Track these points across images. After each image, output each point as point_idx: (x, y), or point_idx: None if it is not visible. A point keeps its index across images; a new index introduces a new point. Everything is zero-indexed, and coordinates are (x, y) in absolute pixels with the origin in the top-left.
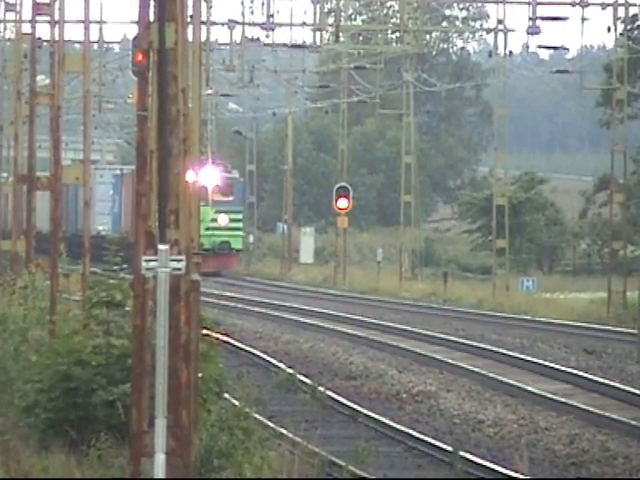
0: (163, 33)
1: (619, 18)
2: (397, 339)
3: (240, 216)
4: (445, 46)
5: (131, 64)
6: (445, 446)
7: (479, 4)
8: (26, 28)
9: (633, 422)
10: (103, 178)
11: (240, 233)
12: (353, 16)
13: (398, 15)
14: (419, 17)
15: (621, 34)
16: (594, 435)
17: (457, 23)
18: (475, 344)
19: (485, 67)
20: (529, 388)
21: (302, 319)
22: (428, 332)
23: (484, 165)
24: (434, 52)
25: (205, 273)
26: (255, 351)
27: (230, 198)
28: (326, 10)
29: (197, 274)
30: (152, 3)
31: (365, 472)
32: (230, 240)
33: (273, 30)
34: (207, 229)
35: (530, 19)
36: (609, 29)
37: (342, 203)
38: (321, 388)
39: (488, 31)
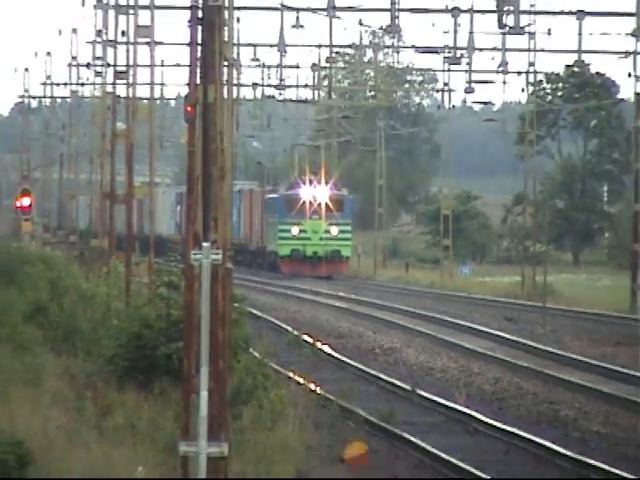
0: (206, 92)
1: (530, 82)
2: (372, 310)
3: (349, 227)
4: (406, 101)
5: (183, 114)
6: (406, 386)
7: (431, 72)
8: (109, 89)
9: (539, 368)
10: None
11: (349, 243)
12: (341, 80)
13: (374, 79)
14: (388, 81)
15: (531, 93)
16: (512, 378)
17: (415, 85)
18: (428, 314)
19: (435, 116)
20: (466, 345)
21: (304, 295)
22: (395, 305)
23: (434, 186)
24: (399, 105)
25: (319, 277)
26: (270, 318)
27: (340, 212)
28: (322, 75)
29: (230, 264)
30: (198, 70)
31: (349, 404)
32: (340, 249)
33: (284, 89)
34: (321, 239)
35: (467, 82)
36: (523, 89)
37: None
38: (318, 344)
39: (437, 91)
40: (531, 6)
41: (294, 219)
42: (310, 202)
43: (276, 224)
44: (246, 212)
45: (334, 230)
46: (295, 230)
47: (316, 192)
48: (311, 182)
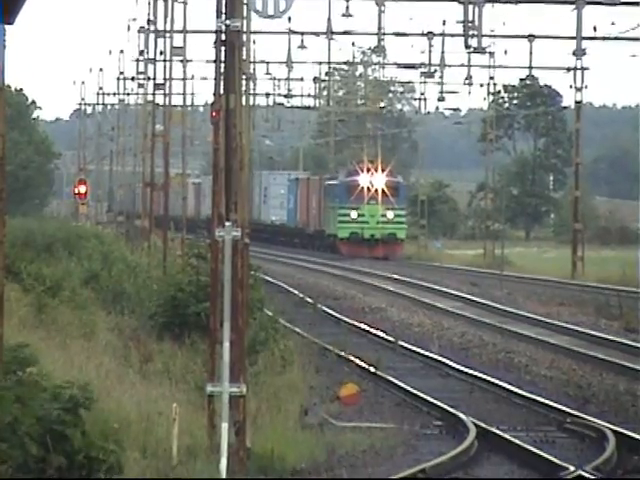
0: (228, 100)
1: (491, 92)
2: (362, 277)
3: (403, 212)
4: (390, 108)
5: (210, 118)
6: (390, 338)
7: (410, 84)
8: (149, 98)
9: (498, 324)
10: (276, 181)
11: (404, 226)
12: (337, 90)
13: (364, 90)
14: (375, 91)
15: (491, 101)
16: (475, 332)
17: (397, 94)
18: (408, 280)
19: (413, 120)
20: (439, 305)
21: (308, 265)
22: (381, 273)
23: (413, 176)
24: (384, 111)
25: (376, 257)
26: (280, 283)
27: (395, 198)
28: (322, 87)
29: (247, 239)
30: (222, 83)
31: (344, 352)
32: (396, 232)
33: (291, 98)
34: (378, 223)
35: (439, 92)
36: (484, 98)
37: None
38: (319, 305)
39: (415, 99)
40: (491, 30)
41: (353, 204)
42: (368, 188)
43: (336, 209)
44: (303, 198)
45: (390, 214)
46: (354, 214)
47: (373, 179)
48: (369, 170)
